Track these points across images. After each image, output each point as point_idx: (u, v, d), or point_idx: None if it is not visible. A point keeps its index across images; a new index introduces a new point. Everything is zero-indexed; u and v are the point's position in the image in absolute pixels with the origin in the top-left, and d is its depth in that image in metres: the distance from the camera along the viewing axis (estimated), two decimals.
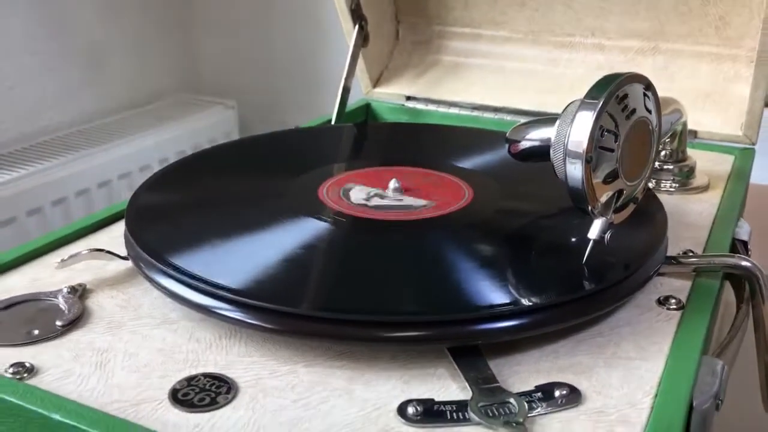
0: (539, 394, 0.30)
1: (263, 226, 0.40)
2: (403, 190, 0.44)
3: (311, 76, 1.30)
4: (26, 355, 0.33)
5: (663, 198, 0.45)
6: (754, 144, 0.59)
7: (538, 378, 0.32)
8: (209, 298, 0.34)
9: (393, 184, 0.44)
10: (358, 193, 0.44)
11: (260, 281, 0.35)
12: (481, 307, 0.33)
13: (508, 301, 0.33)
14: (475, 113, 0.68)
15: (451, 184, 0.46)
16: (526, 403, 0.29)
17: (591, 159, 0.35)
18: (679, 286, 0.39)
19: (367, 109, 0.72)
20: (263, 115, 1.35)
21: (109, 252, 0.40)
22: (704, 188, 0.53)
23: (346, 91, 0.64)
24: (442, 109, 0.69)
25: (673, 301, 0.37)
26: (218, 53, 1.36)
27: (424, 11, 0.73)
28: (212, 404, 0.30)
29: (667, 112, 0.49)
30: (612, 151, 0.36)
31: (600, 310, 0.35)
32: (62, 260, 0.39)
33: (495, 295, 0.34)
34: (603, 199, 0.36)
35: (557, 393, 0.30)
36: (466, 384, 0.31)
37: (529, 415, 0.29)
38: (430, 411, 0.29)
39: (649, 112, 0.38)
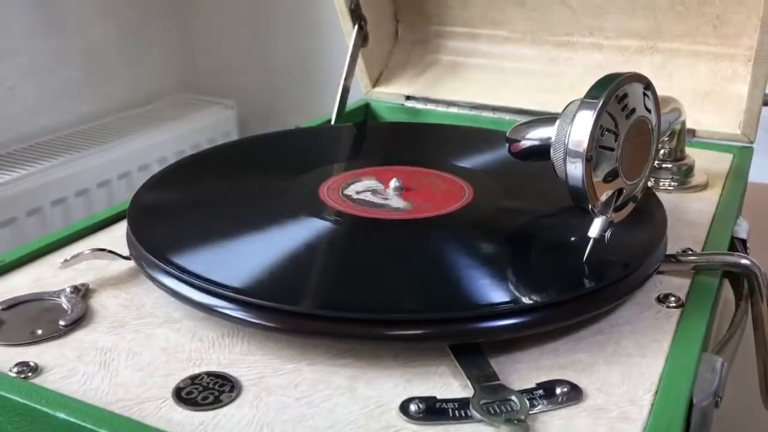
0: (540, 391, 0.30)
1: (265, 225, 0.41)
2: (404, 189, 0.45)
3: (310, 76, 1.30)
4: (30, 354, 0.33)
5: (662, 196, 0.45)
6: (752, 142, 0.59)
7: (539, 375, 0.32)
8: (212, 297, 0.34)
9: (393, 183, 0.45)
10: (358, 186, 0.45)
11: (262, 280, 0.35)
12: (483, 305, 0.33)
13: (509, 299, 0.34)
14: (474, 112, 0.68)
15: (451, 183, 0.46)
16: (527, 401, 0.30)
17: (591, 158, 0.35)
18: (678, 284, 0.39)
19: (366, 108, 0.72)
20: (262, 115, 1.35)
21: (111, 252, 0.40)
22: (703, 187, 0.53)
23: (345, 90, 0.65)
24: (441, 109, 0.69)
25: (673, 299, 0.37)
26: (217, 53, 1.36)
27: (423, 11, 0.73)
28: (216, 403, 0.30)
29: (666, 111, 0.49)
30: (612, 150, 0.36)
31: (600, 308, 0.35)
32: (65, 260, 0.39)
33: (496, 293, 0.34)
34: (603, 197, 0.37)
35: (558, 390, 0.30)
36: (468, 382, 0.31)
37: (530, 412, 0.29)
38: (433, 409, 0.30)
39: (649, 111, 0.38)
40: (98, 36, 1.18)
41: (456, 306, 0.33)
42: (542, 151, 0.40)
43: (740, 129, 0.59)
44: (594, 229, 0.36)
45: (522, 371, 0.32)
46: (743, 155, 0.59)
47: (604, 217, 0.36)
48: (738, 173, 0.56)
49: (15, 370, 0.32)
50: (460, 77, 0.71)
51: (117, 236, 0.45)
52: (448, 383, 0.31)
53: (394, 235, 0.40)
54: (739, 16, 0.59)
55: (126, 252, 0.40)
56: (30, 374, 0.32)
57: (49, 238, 0.43)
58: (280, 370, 0.32)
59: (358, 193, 0.45)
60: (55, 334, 0.34)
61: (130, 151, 1.10)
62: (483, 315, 0.33)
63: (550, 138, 0.39)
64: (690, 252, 0.42)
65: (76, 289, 0.38)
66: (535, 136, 0.42)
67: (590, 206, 0.37)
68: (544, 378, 0.31)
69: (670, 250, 0.41)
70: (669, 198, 0.50)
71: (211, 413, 0.29)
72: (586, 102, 0.36)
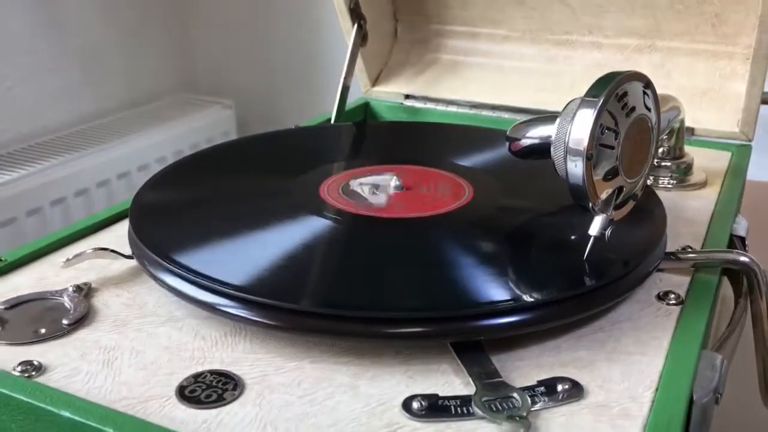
0: (542, 388, 0.31)
1: (266, 224, 0.41)
2: (404, 187, 0.45)
3: (309, 76, 1.30)
4: (33, 353, 0.33)
5: (661, 194, 0.45)
6: (750, 140, 0.59)
7: (541, 373, 0.32)
8: (214, 296, 0.34)
9: (394, 181, 0.45)
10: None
11: (264, 279, 0.35)
12: (484, 303, 0.33)
13: (510, 297, 0.34)
14: (474, 111, 0.68)
15: (451, 181, 0.47)
16: (529, 398, 0.30)
17: (591, 156, 0.36)
18: (678, 282, 0.39)
19: (366, 107, 0.72)
20: (261, 115, 1.35)
21: (113, 251, 0.40)
22: (702, 185, 0.53)
23: (345, 90, 0.65)
24: (440, 108, 0.70)
25: (673, 296, 0.38)
26: (216, 53, 1.36)
27: (423, 10, 0.73)
28: (219, 400, 0.30)
29: (666, 109, 0.49)
30: (612, 148, 0.36)
31: (601, 305, 0.36)
32: (67, 259, 0.39)
33: (497, 291, 0.34)
34: (603, 196, 0.37)
35: (559, 387, 0.31)
36: (470, 379, 0.31)
37: (532, 409, 0.29)
38: (435, 406, 0.30)
39: (649, 109, 0.38)
40: (98, 36, 1.18)
41: (458, 304, 0.33)
42: (542, 149, 0.40)
43: (739, 127, 0.59)
44: (594, 227, 0.36)
45: (523, 368, 0.32)
46: (742, 153, 0.59)
47: (605, 215, 0.37)
48: (736, 171, 0.56)
49: (19, 369, 0.32)
50: (460, 76, 0.71)
51: (118, 235, 0.45)
52: (450, 381, 0.32)
53: (395, 233, 0.41)
54: (737, 14, 0.59)
55: (127, 251, 0.40)
56: (34, 373, 0.32)
57: (51, 238, 0.43)
58: (283, 368, 0.32)
59: (358, 187, 0.45)
60: (59, 333, 0.35)
61: (129, 151, 1.10)
62: (485, 313, 0.33)
63: (550, 136, 0.39)
64: (689, 249, 0.42)
65: (78, 289, 0.38)
66: (535, 134, 0.42)
67: (590, 204, 0.37)
68: (545, 375, 0.32)
69: (670, 247, 0.41)
70: (668, 196, 0.50)
71: (214, 411, 0.30)
72: (586, 100, 0.36)
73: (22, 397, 0.30)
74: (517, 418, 0.29)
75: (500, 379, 0.31)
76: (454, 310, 0.33)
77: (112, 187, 1.08)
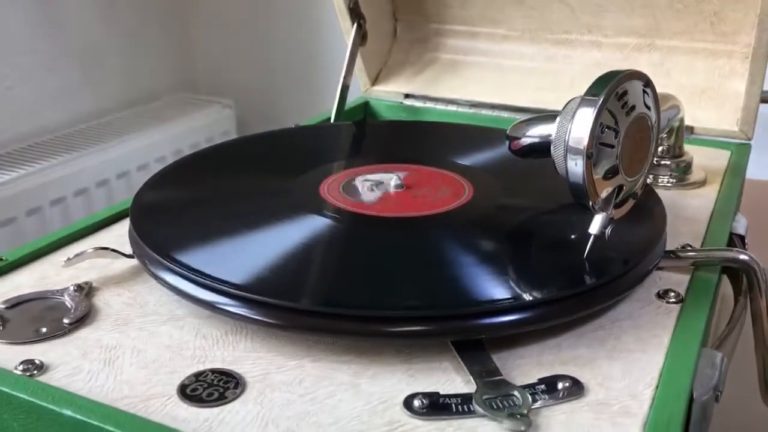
0: (542, 386, 0.31)
1: (266, 223, 0.41)
2: (404, 186, 0.45)
3: (308, 75, 1.30)
4: (35, 352, 0.33)
5: (660, 193, 0.45)
6: (750, 139, 0.59)
7: (541, 371, 0.32)
8: (215, 295, 0.34)
9: (394, 180, 0.45)
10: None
11: (265, 278, 0.35)
12: (485, 301, 0.33)
13: (511, 295, 0.34)
14: (473, 110, 0.68)
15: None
16: (529, 396, 0.30)
17: (592, 155, 0.36)
18: (678, 280, 0.39)
19: (365, 107, 0.72)
20: (261, 114, 1.35)
21: (114, 250, 0.40)
22: (701, 183, 0.53)
23: (345, 89, 0.65)
24: (440, 107, 0.70)
25: (673, 294, 0.38)
26: (215, 52, 1.37)
27: (422, 9, 0.73)
28: (221, 399, 0.30)
29: (665, 108, 0.49)
30: (612, 147, 0.36)
31: (601, 304, 0.36)
32: (68, 259, 0.39)
33: (498, 289, 0.34)
34: (603, 194, 0.37)
35: (560, 385, 0.31)
36: (471, 377, 0.31)
37: (532, 407, 0.29)
38: (436, 404, 0.30)
39: (648, 108, 0.38)
40: (97, 36, 1.18)
41: (459, 302, 0.33)
42: (542, 148, 0.41)
43: (738, 126, 0.59)
44: (594, 226, 0.37)
45: (524, 367, 0.32)
46: (741, 152, 0.59)
47: (605, 213, 0.37)
48: (736, 170, 0.56)
49: (20, 368, 0.32)
50: (459, 75, 0.71)
51: (118, 235, 0.45)
52: (451, 379, 0.32)
53: (395, 232, 0.41)
54: (736, 13, 0.60)
55: (128, 251, 0.40)
56: (35, 372, 0.32)
57: (52, 237, 0.43)
58: (284, 366, 0.33)
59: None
60: (60, 332, 0.35)
61: (128, 151, 1.10)
62: (485, 311, 0.33)
63: (550, 135, 0.40)
64: (689, 248, 0.42)
65: (79, 288, 0.38)
66: (535, 133, 0.42)
67: (591, 203, 0.37)
68: (545, 373, 0.32)
69: (670, 246, 0.41)
70: (667, 194, 0.50)
71: (216, 410, 0.30)
72: (586, 99, 0.36)
73: (23, 396, 0.30)
74: (518, 416, 0.29)
75: (501, 377, 0.31)
76: (455, 308, 0.33)
77: (112, 187, 1.08)
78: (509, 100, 0.67)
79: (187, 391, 0.31)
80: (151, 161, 1.13)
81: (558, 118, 0.39)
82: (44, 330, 0.35)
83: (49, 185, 1.00)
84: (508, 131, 0.44)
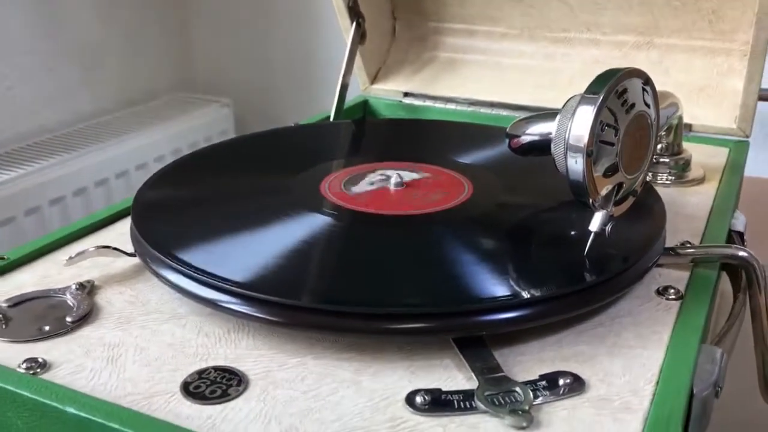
0: (544, 382, 0.31)
1: (267, 221, 0.41)
2: (405, 184, 0.45)
3: (307, 74, 1.30)
4: (38, 350, 0.33)
5: (659, 190, 0.46)
6: (748, 137, 0.60)
7: (542, 367, 0.32)
8: (217, 293, 0.35)
9: (395, 178, 0.45)
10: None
11: (267, 275, 0.36)
12: (486, 298, 0.34)
13: (511, 292, 0.34)
14: (472, 109, 0.69)
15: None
16: (531, 392, 0.30)
17: (592, 153, 0.36)
18: (677, 277, 0.39)
19: (364, 105, 0.72)
20: (259, 113, 1.35)
21: (116, 249, 0.40)
22: (700, 180, 0.54)
23: (344, 88, 0.65)
24: (439, 105, 0.70)
25: (672, 291, 0.38)
26: (214, 51, 1.37)
27: (421, 8, 0.73)
28: (224, 396, 0.30)
29: (664, 105, 0.49)
30: (612, 145, 0.37)
31: (601, 300, 0.36)
32: (70, 257, 0.40)
33: (499, 287, 0.35)
34: (603, 192, 0.37)
35: (561, 381, 0.31)
36: (472, 374, 0.31)
37: (534, 403, 0.30)
38: (438, 400, 0.30)
39: (648, 106, 0.38)
40: (96, 35, 1.18)
41: (460, 300, 0.34)
42: (542, 146, 0.41)
43: (736, 123, 0.59)
44: (594, 223, 0.37)
45: (525, 363, 0.33)
46: (739, 149, 0.59)
47: (605, 211, 0.37)
48: (734, 167, 0.56)
49: (24, 366, 0.32)
50: (458, 74, 0.71)
51: (119, 234, 0.45)
52: (453, 375, 0.32)
53: (396, 230, 0.41)
54: (734, 11, 0.60)
55: (129, 249, 0.40)
56: (39, 370, 0.32)
57: (53, 236, 0.43)
58: (286, 364, 0.33)
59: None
60: (63, 330, 0.35)
61: (127, 150, 1.10)
62: (487, 308, 0.33)
63: (550, 133, 0.40)
64: (688, 245, 0.42)
65: (81, 286, 0.38)
66: (535, 131, 0.42)
67: (591, 200, 0.37)
68: (547, 369, 0.32)
69: (669, 243, 0.41)
70: (666, 192, 0.51)
71: (219, 407, 0.30)
72: (586, 97, 0.36)
73: (27, 394, 0.30)
74: (520, 412, 0.29)
75: (502, 374, 0.31)
76: (456, 305, 0.33)
77: (111, 186, 1.08)
78: (508, 99, 0.67)
79: (190, 388, 0.31)
80: (149, 160, 1.13)
81: (558, 116, 0.39)
82: (47, 328, 0.35)
83: (48, 185, 1.00)
84: (508, 129, 0.44)
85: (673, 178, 0.53)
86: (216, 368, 0.32)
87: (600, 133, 0.36)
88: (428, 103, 0.70)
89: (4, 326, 0.35)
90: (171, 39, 1.32)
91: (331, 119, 0.64)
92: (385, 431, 0.29)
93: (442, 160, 0.50)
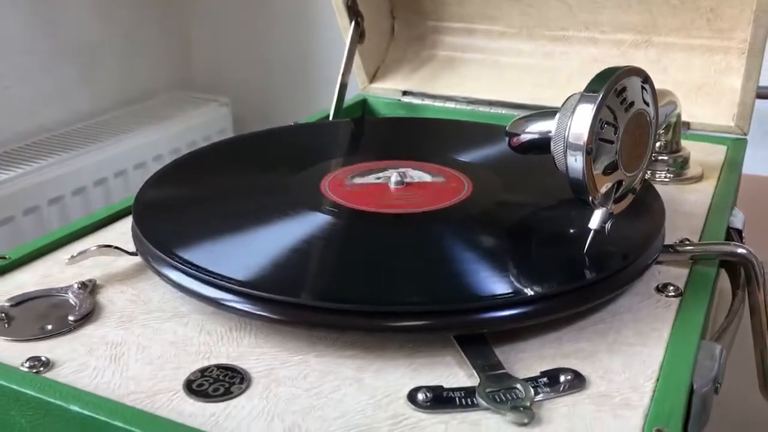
0: (545, 379, 0.31)
1: (268, 219, 0.41)
2: (405, 183, 0.45)
3: (305, 73, 1.30)
4: (41, 349, 0.34)
5: (658, 188, 0.46)
6: (746, 134, 0.60)
7: (543, 364, 0.32)
8: (219, 291, 0.35)
9: (395, 177, 0.45)
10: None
11: (268, 274, 0.36)
12: (487, 296, 0.34)
13: (512, 290, 0.34)
14: (471, 107, 0.69)
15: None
16: (532, 388, 0.30)
17: (591, 151, 0.36)
18: (676, 274, 0.40)
19: (363, 104, 0.73)
20: (257, 112, 1.35)
21: (117, 248, 0.41)
22: (698, 178, 0.54)
23: (343, 87, 0.65)
24: (438, 104, 0.70)
25: (672, 288, 0.38)
26: (212, 50, 1.36)
27: (419, 7, 0.73)
28: (227, 394, 0.30)
29: (662, 104, 0.49)
30: (612, 143, 0.37)
31: (601, 298, 0.36)
32: (71, 257, 0.40)
33: (500, 284, 0.35)
34: (603, 189, 0.37)
35: (562, 378, 0.31)
36: (474, 371, 0.31)
37: (535, 399, 0.30)
38: (440, 397, 0.30)
39: (647, 104, 0.39)
40: (93, 34, 1.18)
41: (462, 297, 0.34)
42: (542, 144, 0.41)
43: (734, 121, 0.60)
44: (594, 221, 0.37)
45: (526, 360, 0.33)
46: (737, 147, 0.59)
47: (604, 208, 0.37)
48: (732, 165, 0.56)
49: (27, 364, 0.32)
50: (457, 72, 0.72)
51: (120, 233, 0.45)
52: (454, 373, 0.32)
53: (397, 228, 0.41)
54: (732, 9, 0.60)
55: (130, 248, 0.40)
56: (42, 369, 0.32)
57: (54, 236, 0.43)
58: (288, 361, 0.33)
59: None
60: (65, 329, 0.35)
61: (126, 149, 1.10)
62: (488, 306, 0.33)
63: (549, 131, 0.40)
64: (687, 242, 0.43)
65: (83, 285, 0.38)
66: (534, 129, 0.42)
67: (590, 198, 0.37)
68: (547, 366, 0.32)
69: (668, 240, 0.41)
70: (665, 190, 0.51)
71: (222, 404, 0.30)
72: (585, 95, 0.36)
73: (31, 393, 0.30)
74: (521, 409, 0.29)
75: (503, 371, 0.31)
76: (457, 303, 0.33)
77: (109, 186, 1.08)
78: (507, 97, 0.68)
79: (193, 386, 0.31)
80: (148, 160, 1.13)
81: (557, 115, 0.39)
82: (50, 327, 0.35)
83: (47, 184, 1.00)
84: (507, 128, 0.44)
85: (672, 176, 0.54)
86: (218, 366, 0.32)
87: (599, 131, 0.36)
88: (427, 101, 0.70)
89: (6, 325, 0.35)
90: (169, 38, 1.32)
91: (331, 118, 0.64)
92: (387, 428, 0.29)
93: (442, 158, 0.50)
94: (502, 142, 0.45)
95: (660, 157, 0.54)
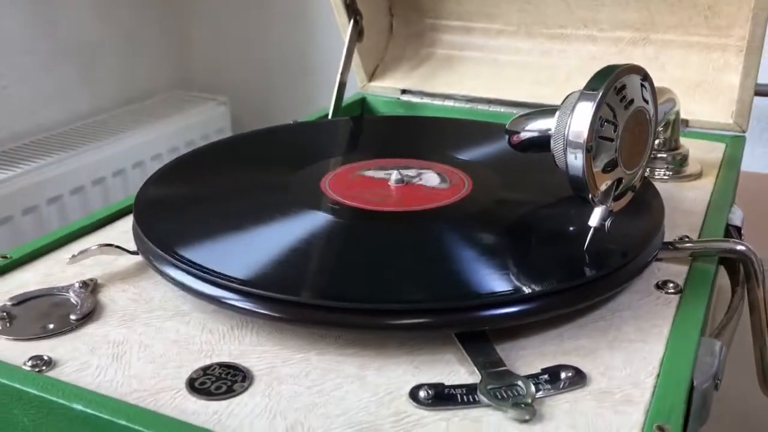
0: (546, 376, 0.31)
1: (269, 218, 0.41)
2: (404, 181, 0.45)
3: (304, 72, 1.30)
4: (43, 348, 0.34)
5: (657, 186, 0.46)
6: (744, 132, 0.60)
7: (544, 361, 0.32)
8: (221, 290, 0.35)
9: (395, 175, 0.45)
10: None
11: (269, 272, 0.36)
12: (488, 294, 0.34)
13: (513, 287, 0.34)
14: (470, 105, 0.69)
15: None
16: (533, 385, 0.30)
17: (591, 148, 0.36)
18: (676, 271, 0.40)
19: (362, 103, 0.73)
20: (256, 111, 1.35)
21: (118, 247, 0.41)
22: (697, 176, 0.54)
23: (342, 85, 0.65)
24: (437, 102, 0.70)
25: (671, 285, 0.38)
26: (211, 49, 1.36)
27: (418, 5, 0.74)
28: (229, 392, 0.31)
29: (662, 101, 0.50)
30: (611, 140, 0.37)
31: (601, 295, 0.36)
32: (73, 256, 0.40)
33: (501, 282, 0.35)
34: (603, 187, 0.37)
35: (563, 375, 0.31)
36: (475, 368, 0.31)
37: (536, 396, 0.30)
38: (441, 395, 0.30)
39: (647, 102, 0.39)
40: (93, 34, 1.18)
41: (462, 295, 0.34)
42: (542, 142, 0.41)
43: (732, 119, 0.60)
44: (594, 219, 0.37)
45: (527, 357, 0.33)
46: (736, 144, 0.60)
47: (604, 206, 0.37)
48: (731, 162, 0.57)
49: (29, 363, 0.32)
50: (455, 71, 0.72)
51: (121, 232, 0.45)
52: (456, 370, 0.32)
53: (397, 226, 0.41)
54: (730, 7, 0.60)
55: (131, 247, 0.41)
56: (44, 368, 0.32)
57: (55, 235, 0.43)
58: (290, 359, 0.33)
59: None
60: (67, 328, 0.35)
61: (124, 149, 1.10)
62: (488, 303, 0.33)
63: (549, 129, 0.40)
64: (687, 239, 0.43)
65: (84, 284, 0.38)
66: (534, 127, 0.43)
67: (590, 196, 0.37)
68: (548, 363, 0.32)
69: (668, 237, 0.42)
70: (664, 187, 0.51)
71: (224, 402, 0.30)
72: (585, 93, 0.37)
73: (33, 391, 0.30)
74: (522, 405, 0.29)
75: (505, 368, 0.32)
76: (458, 301, 0.34)
77: (108, 185, 1.08)
78: (505, 95, 0.68)
79: (196, 384, 0.31)
80: (146, 159, 1.13)
81: (557, 113, 0.39)
82: (51, 326, 0.35)
83: (46, 184, 1.00)
84: (507, 126, 0.45)
85: (671, 173, 0.54)
86: (220, 364, 0.32)
87: (599, 129, 0.36)
88: (426, 100, 0.70)
89: (8, 324, 0.35)
90: (168, 38, 1.32)
91: (330, 117, 0.64)
92: (389, 425, 0.29)
93: (442, 156, 0.50)
94: (502, 140, 0.45)
95: (659, 155, 0.54)
